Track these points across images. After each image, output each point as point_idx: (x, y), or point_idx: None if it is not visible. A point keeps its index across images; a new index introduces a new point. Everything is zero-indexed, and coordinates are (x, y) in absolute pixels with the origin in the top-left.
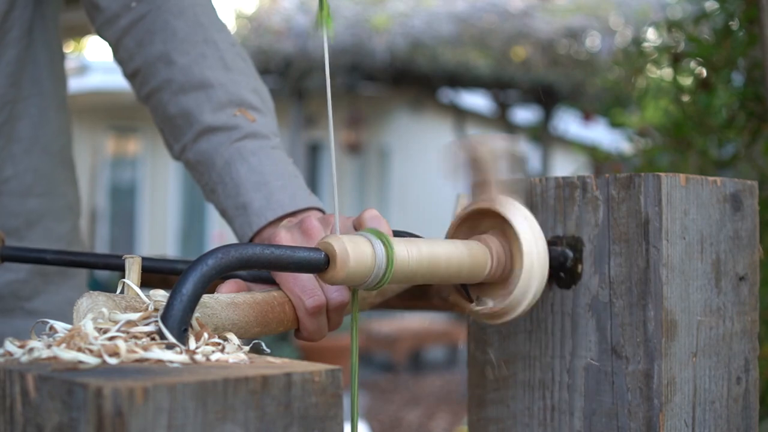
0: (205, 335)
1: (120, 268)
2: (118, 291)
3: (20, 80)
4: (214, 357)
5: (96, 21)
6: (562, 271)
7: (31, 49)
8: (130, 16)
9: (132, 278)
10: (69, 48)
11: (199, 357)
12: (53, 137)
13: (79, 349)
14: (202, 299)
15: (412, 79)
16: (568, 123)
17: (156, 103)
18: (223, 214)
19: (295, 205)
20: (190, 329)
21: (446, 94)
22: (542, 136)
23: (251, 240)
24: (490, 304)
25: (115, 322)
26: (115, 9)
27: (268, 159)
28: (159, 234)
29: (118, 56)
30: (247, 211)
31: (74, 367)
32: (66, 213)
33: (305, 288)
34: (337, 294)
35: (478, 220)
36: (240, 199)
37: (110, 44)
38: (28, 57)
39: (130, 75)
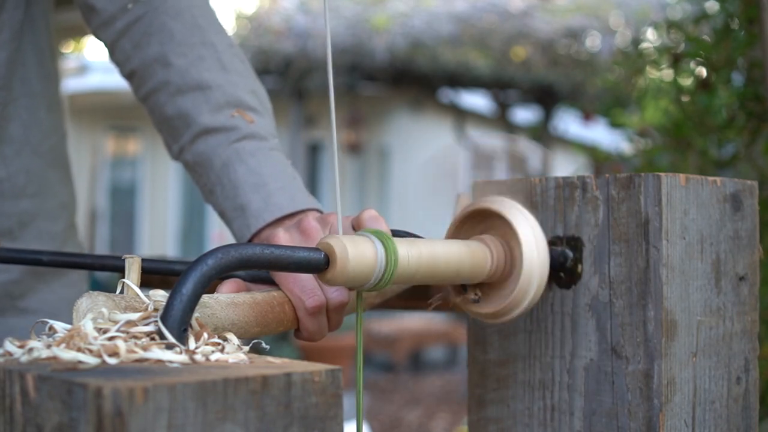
0: (205, 335)
1: (117, 269)
2: (118, 291)
3: (10, 82)
4: (213, 357)
5: (92, 23)
6: (562, 271)
7: (21, 51)
8: (127, 18)
9: (132, 278)
10: (69, 48)
11: (198, 357)
12: (44, 137)
13: (79, 349)
14: (201, 299)
15: (412, 79)
16: (568, 123)
17: (153, 104)
18: (222, 215)
19: (294, 207)
20: (189, 329)
21: (446, 94)
22: (542, 136)
23: (250, 241)
24: (489, 304)
25: (115, 322)
26: (111, 11)
27: (266, 160)
28: (159, 234)
29: (114, 58)
30: (246, 213)
31: (74, 367)
32: (59, 212)
33: (305, 288)
34: (337, 294)
35: (478, 221)
36: (238, 201)
37: (106, 46)
38: (18, 59)
39: (127, 76)
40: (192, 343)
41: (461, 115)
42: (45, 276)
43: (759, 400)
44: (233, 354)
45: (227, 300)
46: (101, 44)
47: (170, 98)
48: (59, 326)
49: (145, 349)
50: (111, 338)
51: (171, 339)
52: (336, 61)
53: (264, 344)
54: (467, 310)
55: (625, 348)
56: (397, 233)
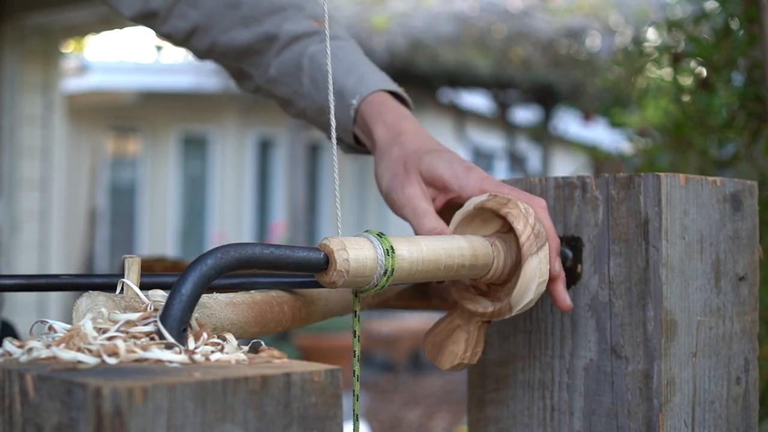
0: (205, 335)
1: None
2: (118, 291)
3: None
4: (213, 357)
5: None
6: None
7: None
8: None
9: (131, 278)
10: (69, 48)
11: (198, 357)
12: None
13: (79, 349)
14: (201, 299)
15: (412, 79)
16: (568, 123)
17: (227, 43)
18: (320, 114)
19: (386, 86)
20: (189, 329)
21: (446, 94)
22: (542, 136)
23: (354, 121)
24: (489, 303)
25: (115, 322)
26: None
27: (353, 52)
28: (159, 234)
29: (168, 26)
30: (343, 95)
31: (73, 367)
32: None
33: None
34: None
35: (482, 219)
36: (334, 88)
37: (160, 16)
38: None
39: (186, 37)
40: (191, 343)
41: (461, 115)
42: None
43: (759, 400)
44: (233, 354)
45: (226, 300)
46: (152, 17)
47: (247, 29)
48: (59, 326)
49: (144, 349)
50: (110, 338)
51: (170, 339)
52: None
53: (263, 344)
54: (467, 308)
55: (625, 348)
56: None
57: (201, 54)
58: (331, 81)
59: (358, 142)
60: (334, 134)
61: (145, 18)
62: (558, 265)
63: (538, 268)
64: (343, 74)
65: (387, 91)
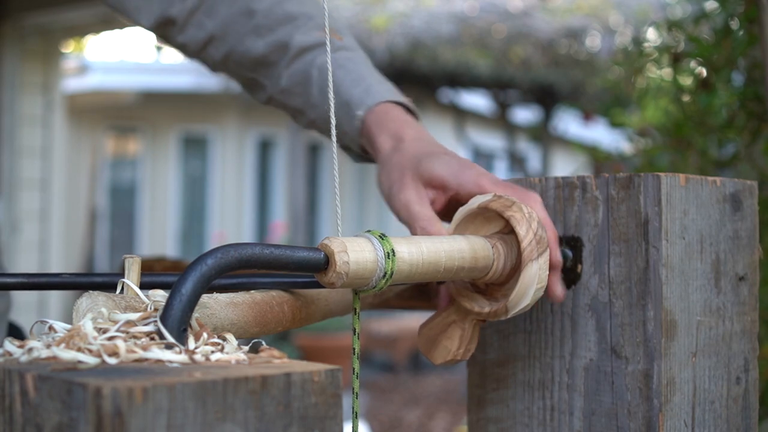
0: (205, 335)
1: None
2: (118, 291)
3: None
4: (213, 357)
5: (161, 4)
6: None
7: None
8: None
9: (131, 278)
10: (69, 48)
11: (198, 357)
12: None
13: (79, 349)
14: (201, 299)
15: (412, 79)
16: (568, 123)
17: (242, 54)
18: (329, 124)
19: (393, 97)
20: (189, 329)
21: (446, 94)
22: (542, 136)
23: (360, 132)
24: (488, 303)
25: (115, 322)
26: None
27: (361, 63)
28: (159, 234)
29: (184, 36)
30: (349, 106)
31: (73, 367)
32: None
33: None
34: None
35: (484, 218)
36: (342, 98)
37: (177, 25)
38: None
39: (201, 47)
40: (191, 343)
41: (461, 115)
42: None
43: (759, 400)
44: (233, 354)
45: (226, 300)
46: (170, 26)
47: (261, 38)
48: (59, 326)
49: (144, 349)
50: (111, 338)
51: (170, 339)
52: None
53: (263, 344)
54: (463, 306)
55: (625, 348)
56: None
57: (216, 65)
58: (331, 84)
59: (365, 152)
60: (334, 135)
61: (163, 26)
62: (558, 255)
63: (537, 274)
64: (350, 85)
65: (393, 101)
